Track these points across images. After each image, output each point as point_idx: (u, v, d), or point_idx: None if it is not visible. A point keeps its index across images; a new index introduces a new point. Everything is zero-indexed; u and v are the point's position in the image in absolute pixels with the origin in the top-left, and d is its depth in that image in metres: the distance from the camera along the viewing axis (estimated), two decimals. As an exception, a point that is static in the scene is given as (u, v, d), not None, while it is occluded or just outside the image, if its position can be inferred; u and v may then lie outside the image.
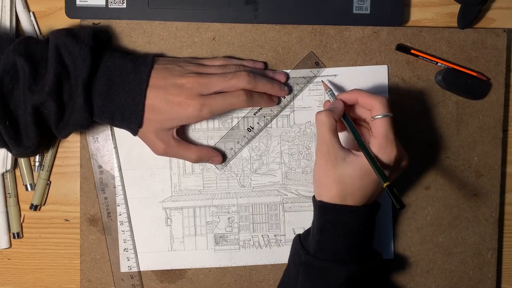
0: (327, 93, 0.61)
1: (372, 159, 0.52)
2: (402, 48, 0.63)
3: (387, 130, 0.54)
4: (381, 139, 0.54)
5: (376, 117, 0.54)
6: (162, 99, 0.56)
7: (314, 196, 0.58)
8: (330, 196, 0.54)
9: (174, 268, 0.63)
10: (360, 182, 0.54)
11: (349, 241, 0.55)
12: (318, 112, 0.56)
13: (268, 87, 0.60)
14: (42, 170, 0.63)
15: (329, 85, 0.62)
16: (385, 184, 0.51)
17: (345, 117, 0.57)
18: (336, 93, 0.60)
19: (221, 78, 0.57)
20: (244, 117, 0.63)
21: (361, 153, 0.54)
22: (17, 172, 0.63)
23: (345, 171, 0.54)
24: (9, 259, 0.65)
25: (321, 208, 0.55)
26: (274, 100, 0.62)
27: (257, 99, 0.60)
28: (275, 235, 0.64)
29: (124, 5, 0.61)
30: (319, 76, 0.63)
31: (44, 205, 0.64)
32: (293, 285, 0.56)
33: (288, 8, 0.62)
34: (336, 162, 0.54)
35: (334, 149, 0.54)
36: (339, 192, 0.54)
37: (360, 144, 0.54)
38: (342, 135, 0.61)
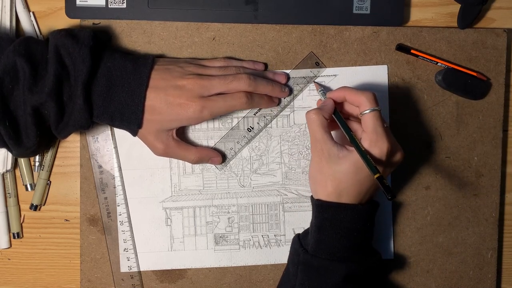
0: (319, 93, 0.61)
1: (362, 152, 0.53)
2: (402, 48, 0.63)
3: (375, 124, 0.54)
4: (371, 134, 0.54)
5: (364, 112, 0.54)
6: (162, 100, 0.56)
7: (312, 196, 0.58)
8: (326, 193, 0.55)
9: (174, 268, 0.63)
10: (354, 178, 0.54)
11: (347, 240, 0.55)
12: (307, 112, 0.56)
13: (268, 89, 0.60)
14: (42, 170, 0.63)
15: (321, 85, 0.62)
16: (375, 176, 0.51)
17: (336, 113, 0.57)
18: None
19: (222, 81, 0.57)
20: (244, 117, 0.63)
21: (354, 149, 0.54)
22: (17, 172, 0.63)
23: (339, 167, 0.54)
24: (9, 259, 0.65)
25: (319, 207, 0.55)
26: (274, 101, 0.62)
27: (258, 100, 0.60)
28: (275, 235, 0.64)
29: (124, 5, 0.61)
30: (319, 76, 0.63)
31: (44, 205, 0.64)
32: (292, 284, 0.56)
33: (288, 8, 0.62)
34: (330, 158, 0.54)
35: (327, 146, 0.55)
36: (334, 188, 0.54)
37: (351, 138, 0.54)
38: (336, 133, 0.61)
